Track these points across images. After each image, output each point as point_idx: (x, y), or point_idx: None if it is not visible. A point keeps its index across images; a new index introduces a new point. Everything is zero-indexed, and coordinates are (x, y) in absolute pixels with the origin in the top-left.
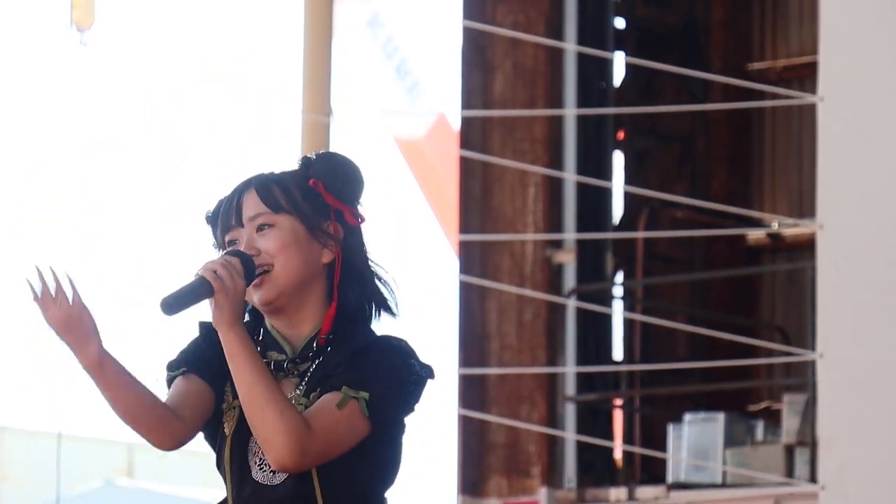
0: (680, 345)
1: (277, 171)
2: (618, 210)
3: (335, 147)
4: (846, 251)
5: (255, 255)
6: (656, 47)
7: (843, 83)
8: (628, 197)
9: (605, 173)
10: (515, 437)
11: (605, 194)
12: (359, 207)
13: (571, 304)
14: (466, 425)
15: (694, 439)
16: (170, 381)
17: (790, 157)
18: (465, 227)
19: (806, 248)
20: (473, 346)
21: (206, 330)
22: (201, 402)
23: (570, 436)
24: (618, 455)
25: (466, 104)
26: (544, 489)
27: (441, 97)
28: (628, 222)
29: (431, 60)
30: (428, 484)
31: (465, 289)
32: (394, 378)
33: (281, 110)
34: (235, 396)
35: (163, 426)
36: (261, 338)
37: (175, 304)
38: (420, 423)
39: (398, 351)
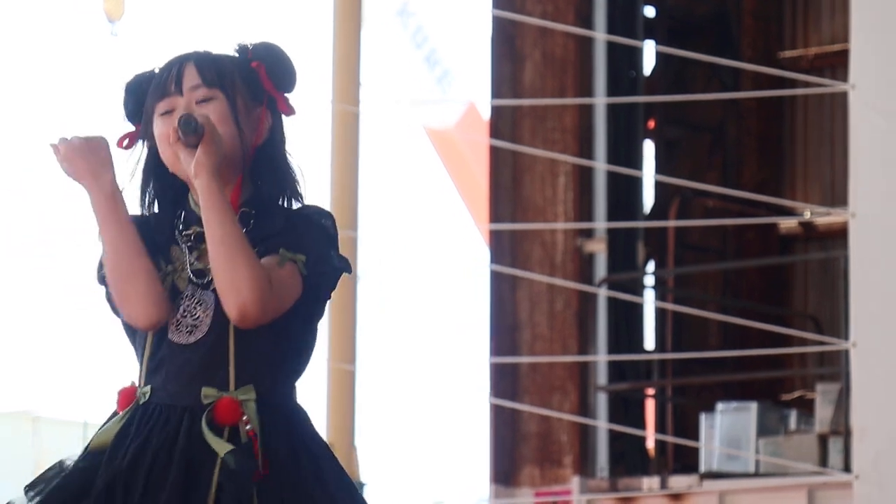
0: (712, 334)
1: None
2: (649, 199)
3: (366, 138)
4: (879, 239)
5: None
6: (687, 36)
7: (874, 71)
8: (659, 186)
9: (636, 162)
10: (547, 426)
11: (636, 183)
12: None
13: (602, 293)
14: (498, 415)
15: (726, 429)
16: None
17: (822, 145)
18: (495, 217)
19: (838, 236)
20: (504, 335)
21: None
22: None
23: (602, 425)
24: (650, 444)
25: (496, 93)
26: (576, 478)
27: (471, 86)
28: (659, 211)
29: (461, 50)
30: (460, 473)
31: (496, 278)
32: (325, 244)
33: (310, 100)
34: (167, 262)
35: (152, 299)
36: (182, 213)
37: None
38: (452, 412)
39: (329, 219)
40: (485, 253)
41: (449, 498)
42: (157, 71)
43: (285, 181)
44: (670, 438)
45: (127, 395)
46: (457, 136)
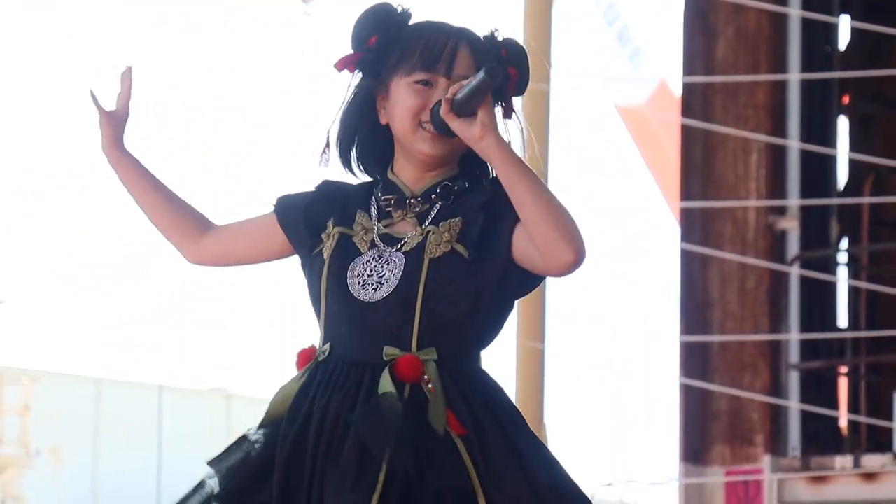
0: None
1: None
2: (842, 175)
3: (555, 114)
4: None
5: None
6: (883, 10)
7: None
8: (853, 162)
9: (830, 139)
10: (738, 404)
11: (830, 160)
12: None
13: (795, 271)
14: (689, 393)
15: None
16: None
17: None
18: (686, 194)
19: None
20: (695, 314)
21: (324, 188)
22: (264, 241)
23: (794, 405)
24: (843, 423)
25: (688, 70)
26: (768, 457)
27: (663, 63)
28: (853, 188)
29: (652, 27)
30: (651, 452)
31: (687, 256)
32: None
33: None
34: (337, 225)
35: (189, 240)
36: (380, 186)
37: (465, 103)
38: (641, 390)
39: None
40: (676, 231)
41: (638, 476)
42: (407, 15)
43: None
44: (864, 418)
45: (306, 355)
46: (648, 113)
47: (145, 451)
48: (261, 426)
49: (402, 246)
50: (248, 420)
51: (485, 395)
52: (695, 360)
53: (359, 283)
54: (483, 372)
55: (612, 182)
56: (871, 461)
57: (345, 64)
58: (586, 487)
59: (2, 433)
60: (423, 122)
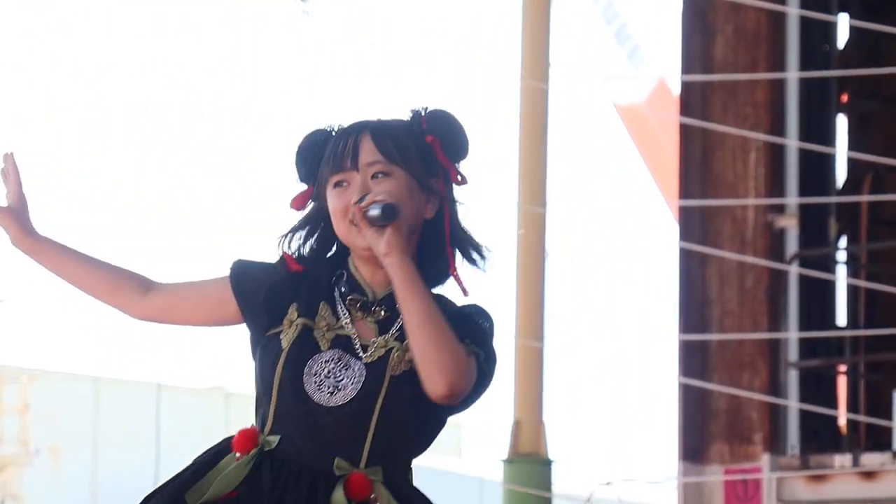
0: None
1: (386, 118)
2: (841, 174)
3: (554, 113)
4: None
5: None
6: (882, 9)
7: None
8: (852, 160)
9: (829, 137)
10: (737, 403)
11: (828, 158)
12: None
13: (794, 269)
14: (688, 392)
15: None
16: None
17: None
18: (685, 193)
19: None
20: (694, 312)
21: (282, 265)
22: (215, 308)
23: (793, 403)
24: (842, 422)
25: (687, 69)
26: (767, 456)
27: (661, 62)
28: (852, 186)
29: (651, 25)
30: (649, 450)
31: (686, 255)
32: (492, 351)
33: (499, 76)
34: (301, 315)
35: (122, 301)
36: (344, 275)
37: (371, 221)
38: (640, 389)
39: (490, 321)
40: (674, 229)
41: (637, 475)
42: (331, 132)
43: (468, 246)
44: (863, 417)
45: (247, 438)
46: (647, 112)
47: (144, 450)
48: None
49: (363, 354)
50: (246, 418)
51: None
52: (694, 358)
53: (315, 382)
54: (417, 490)
55: (611, 181)
56: (871, 460)
57: (298, 202)
58: (585, 486)
59: (1, 432)
60: (351, 220)
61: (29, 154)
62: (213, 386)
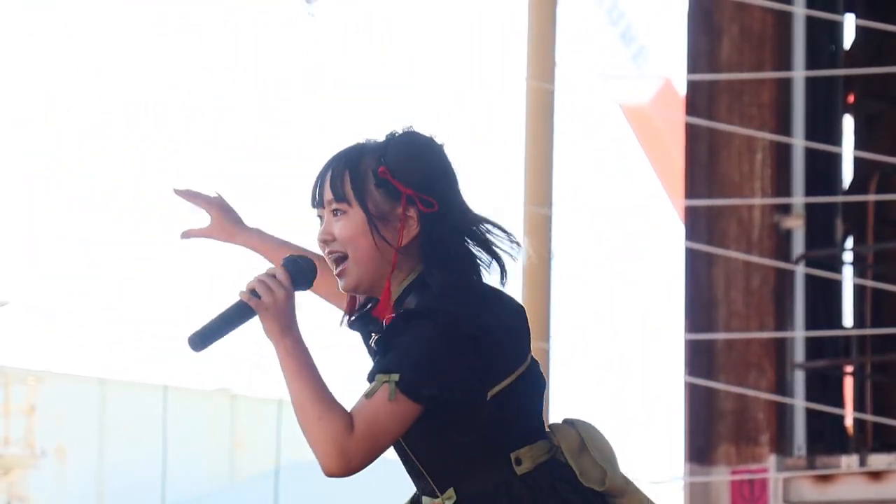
0: None
1: (365, 143)
2: (848, 174)
3: (559, 114)
4: None
5: (330, 241)
6: (888, 8)
7: None
8: (858, 161)
9: (835, 137)
10: (744, 403)
11: (835, 158)
12: (434, 188)
13: (800, 270)
14: (694, 392)
15: None
16: None
17: None
18: (691, 193)
19: None
20: (700, 312)
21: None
22: None
23: (799, 403)
24: (849, 422)
25: (692, 69)
26: (773, 456)
27: (667, 62)
28: (858, 186)
29: (656, 25)
30: (655, 451)
31: (692, 255)
32: (425, 350)
33: (505, 77)
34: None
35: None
36: (354, 315)
37: (206, 336)
38: (646, 389)
39: (436, 319)
40: (680, 229)
41: (641, 475)
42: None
43: (454, 262)
44: (870, 417)
45: None
46: (652, 112)
47: (150, 452)
48: None
49: None
50: (252, 420)
51: None
52: (700, 358)
53: None
54: (506, 485)
55: (616, 181)
56: (877, 460)
57: None
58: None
59: (7, 433)
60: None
61: (29, 154)
62: (220, 388)
